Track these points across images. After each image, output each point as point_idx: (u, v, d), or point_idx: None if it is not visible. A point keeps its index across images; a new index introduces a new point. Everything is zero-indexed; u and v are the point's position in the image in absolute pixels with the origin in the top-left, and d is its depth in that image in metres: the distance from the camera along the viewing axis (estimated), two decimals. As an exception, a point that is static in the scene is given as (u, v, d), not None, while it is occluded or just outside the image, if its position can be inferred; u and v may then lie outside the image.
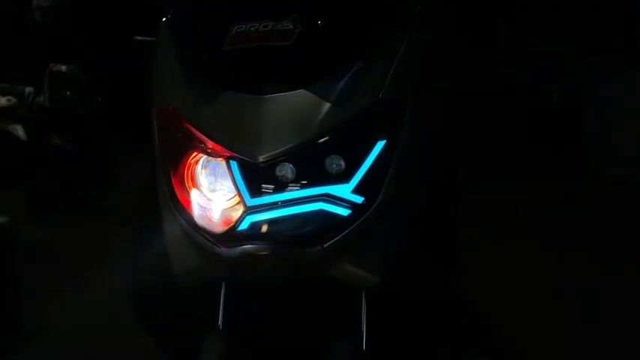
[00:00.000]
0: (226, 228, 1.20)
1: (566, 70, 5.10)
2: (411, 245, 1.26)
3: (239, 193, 1.19)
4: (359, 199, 1.18)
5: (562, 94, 5.23)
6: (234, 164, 1.19)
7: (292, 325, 1.36)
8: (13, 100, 4.86)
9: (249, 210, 1.18)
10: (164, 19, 1.43)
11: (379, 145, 1.19)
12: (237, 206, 1.21)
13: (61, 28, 4.88)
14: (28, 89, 4.81)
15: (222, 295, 1.33)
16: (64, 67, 4.88)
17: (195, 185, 1.25)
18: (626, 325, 2.48)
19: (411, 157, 1.21)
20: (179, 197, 1.25)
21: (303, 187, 1.18)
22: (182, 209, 1.25)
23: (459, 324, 1.34)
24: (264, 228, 1.19)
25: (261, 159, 1.17)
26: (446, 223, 1.37)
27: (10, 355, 2.64)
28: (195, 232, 1.24)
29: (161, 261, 1.31)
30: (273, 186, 1.19)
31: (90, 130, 4.97)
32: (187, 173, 1.25)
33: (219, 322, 1.32)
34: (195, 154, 1.24)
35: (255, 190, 1.19)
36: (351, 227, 1.18)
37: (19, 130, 4.87)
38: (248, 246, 1.19)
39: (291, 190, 1.18)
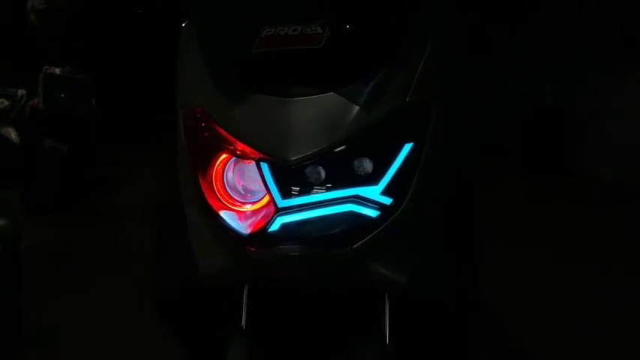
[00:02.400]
0: (257, 229, 1.21)
1: (559, 72, 5.14)
2: (436, 246, 1.27)
3: (270, 195, 1.20)
4: (387, 201, 1.19)
5: (555, 95, 5.28)
6: (264, 165, 1.20)
7: (315, 326, 1.37)
8: (6, 102, 4.84)
9: (281, 211, 1.19)
10: (184, 24, 1.45)
11: (406, 148, 1.20)
12: (266, 207, 1.22)
13: (56, 31, 4.86)
14: (21, 91, 4.80)
15: (245, 295, 1.34)
16: (58, 70, 4.87)
17: (224, 186, 1.25)
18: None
19: (437, 159, 1.23)
20: (207, 198, 1.25)
21: (332, 188, 1.19)
22: (210, 210, 1.25)
23: (482, 323, 1.36)
24: (295, 229, 1.20)
25: (292, 160, 1.18)
26: (468, 223, 1.39)
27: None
28: (224, 233, 1.24)
29: (186, 262, 1.31)
30: (303, 188, 1.20)
31: (84, 132, 4.96)
32: (215, 174, 1.25)
33: (243, 323, 1.33)
34: (223, 155, 1.25)
35: (285, 192, 1.20)
36: (380, 228, 1.20)
37: (12, 133, 4.86)
38: (279, 247, 1.20)
39: (322, 192, 1.19)
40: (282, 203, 1.19)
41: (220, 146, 1.25)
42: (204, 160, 1.26)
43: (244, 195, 1.25)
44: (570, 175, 5.12)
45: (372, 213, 1.20)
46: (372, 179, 1.19)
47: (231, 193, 1.26)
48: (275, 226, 1.20)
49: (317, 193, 1.19)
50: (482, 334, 1.37)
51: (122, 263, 3.60)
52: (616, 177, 4.78)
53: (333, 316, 1.37)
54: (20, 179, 4.77)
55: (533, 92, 5.40)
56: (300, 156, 1.18)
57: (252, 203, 1.24)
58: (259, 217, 1.22)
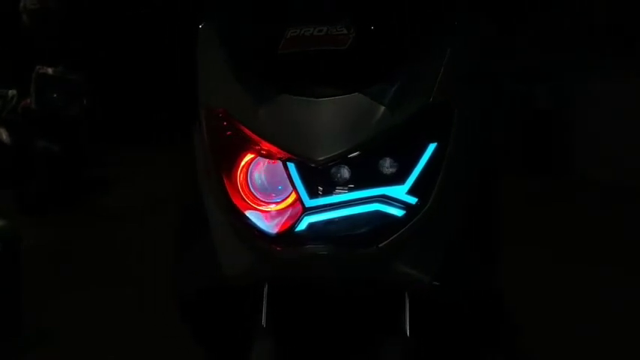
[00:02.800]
0: (284, 229, 1.22)
1: (551, 73, 5.19)
2: (459, 245, 1.29)
3: (297, 194, 1.21)
4: (413, 200, 1.20)
5: (547, 96, 5.32)
6: (291, 165, 1.21)
7: (336, 324, 1.38)
8: (-4, 102, 4.81)
9: (308, 211, 1.20)
10: (201, 25, 1.45)
11: (431, 147, 1.21)
12: (292, 207, 1.23)
13: (48, 31, 4.84)
14: (11, 92, 4.76)
15: (265, 294, 1.35)
16: (50, 70, 4.84)
17: (249, 186, 1.26)
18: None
19: (460, 158, 1.24)
20: (232, 198, 1.26)
21: (358, 188, 1.20)
22: (235, 210, 1.26)
23: (502, 321, 1.37)
24: (322, 229, 1.21)
25: (320, 161, 1.19)
26: (490, 222, 1.41)
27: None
28: (249, 232, 1.25)
29: (209, 261, 1.32)
30: (329, 187, 1.21)
31: (77, 132, 4.94)
32: (240, 174, 1.26)
33: (263, 322, 1.34)
34: (248, 155, 1.25)
35: (312, 192, 1.21)
36: (405, 228, 1.21)
37: (3, 134, 4.83)
38: (306, 246, 1.20)
39: (348, 191, 1.20)
40: (309, 203, 1.20)
41: (245, 146, 1.25)
42: (228, 160, 1.27)
43: (268, 195, 1.26)
44: (562, 175, 5.17)
45: (398, 212, 1.21)
46: (398, 179, 1.20)
47: (255, 192, 1.26)
48: (302, 226, 1.21)
49: (343, 192, 1.20)
50: (500, 333, 1.38)
51: (120, 263, 3.60)
52: (608, 177, 4.83)
53: (353, 314, 1.38)
54: (11, 180, 4.74)
55: (524, 92, 5.45)
56: (327, 156, 1.19)
57: (276, 203, 1.25)
58: (285, 216, 1.23)
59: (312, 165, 1.20)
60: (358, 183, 1.20)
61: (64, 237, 4.15)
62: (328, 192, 1.21)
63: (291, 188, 1.23)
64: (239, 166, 1.26)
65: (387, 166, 1.21)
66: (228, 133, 1.28)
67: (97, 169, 5.29)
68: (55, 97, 4.81)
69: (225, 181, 1.27)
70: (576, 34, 5.11)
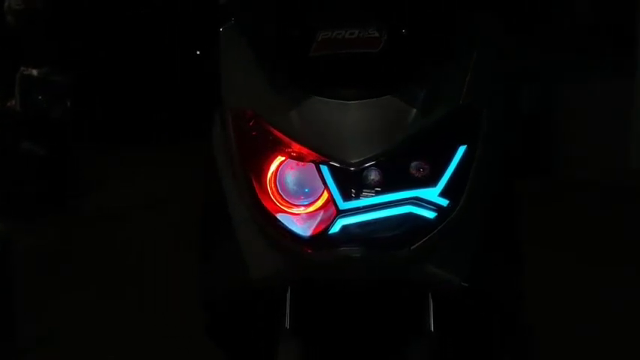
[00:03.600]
0: (317, 231, 1.22)
1: (536, 76, 5.24)
2: (488, 246, 1.30)
3: (331, 197, 1.21)
4: (444, 202, 1.21)
5: (531, 98, 5.38)
6: (324, 168, 1.21)
7: (360, 326, 1.39)
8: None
9: (342, 213, 1.21)
10: (222, 28, 1.45)
11: (461, 150, 1.23)
12: (323, 209, 1.23)
13: (33, 32, 4.79)
14: (-5, 93, 4.71)
15: (288, 297, 1.35)
16: (35, 71, 4.80)
17: (279, 188, 1.26)
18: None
19: (488, 160, 1.25)
20: (262, 200, 1.26)
21: (391, 190, 1.21)
22: (265, 213, 1.26)
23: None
24: (355, 231, 1.21)
25: (353, 163, 1.19)
26: (513, 224, 1.42)
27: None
28: (281, 235, 1.25)
29: (236, 264, 1.31)
30: (362, 190, 1.21)
31: (62, 134, 4.90)
32: (270, 176, 1.26)
33: (287, 324, 1.34)
34: (279, 157, 1.25)
35: (345, 194, 1.21)
36: (437, 229, 1.22)
37: (-14, 136, 4.77)
38: (340, 249, 1.21)
39: (381, 194, 1.21)
40: (343, 205, 1.21)
41: (276, 148, 1.25)
42: (257, 163, 1.27)
43: (297, 197, 1.26)
44: (548, 175, 5.23)
45: (430, 215, 1.22)
46: (430, 181, 1.21)
47: (284, 195, 1.26)
48: (336, 228, 1.21)
49: (376, 195, 1.21)
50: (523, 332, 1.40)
51: (111, 264, 3.58)
52: (590, 177, 4.90)
53: (377, 315, 1.38)
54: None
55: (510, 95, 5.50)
56: (361, 159, 1.19)
57: (305, 206, 1.25)
58: (318, 219, 1.23)
59: (346, 167, 1.20)
60: (390, 185, 1.21)
61: (55, 238, 4.13)
62: (360, 194, 1.21)
63: (321, 191, 1.23)
64: (269, 169, 1.25)
65: (419, 168, 1.22)
66: (258, 134, 1.28)
67: (90, 170, 5.24)
68: (39, 98, 4.78)
69: (254, 184, 1.27)
70: (560, 35, 5.17)
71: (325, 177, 1.21)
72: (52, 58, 4.83)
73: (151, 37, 7.80)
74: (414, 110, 1.22)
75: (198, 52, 7.87)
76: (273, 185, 1.26)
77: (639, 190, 4.73)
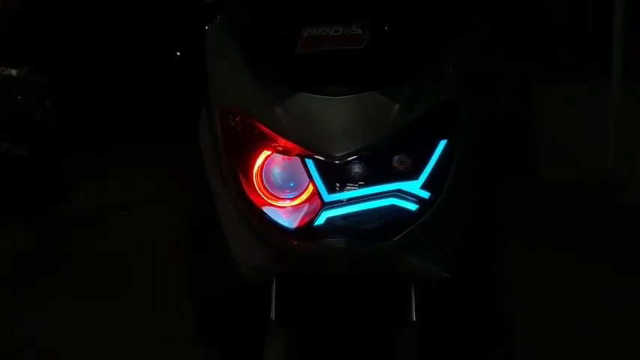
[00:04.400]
0: (302, 224, 1.25)
1: (517, 76, 5.31)
2: (468, 238, 1.34)
3: (315, 190, 1.24)
4: (426, 195, 1.25)
5: (511, 98, 5.44)
6: (310, 162, 1.24)
7: (345, 316, 1.42)
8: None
9: (327, 206, 1.24)
10: (207, 26, 1.48)
11: (442, 144, 1.26)
12: (309, 202, 1.26)
13: (12, 31, 4.77)
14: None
15: (274, 289, 1.38)
16: (14, 71, 4.77)
17: (265, 182, 1.29)
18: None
19: (469, 154, 1.29)
20: (248, 194, 1.29)
21: (374, 183, 1.24)
22: (253, 206, 1.29)
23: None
24: (340, 223, 1.25)
25: (338, 157, 1.23)
26: (495, 216, 1.47)
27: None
28: (267, 228, 1.28)
29: (225, 260, 1.34)
30: (346, 183, 1.25)
31: (43, 135, 4.88)
32: (256, 170, 1.29)
33: (273, 316, 1.37)
34: (265, 151, 1.28)
35: (330, 187, 1.24)
36: (419, 221, 1.26)
37: (-35, 137, 4.73)
38: (325, 240, 1.24)
39: (365, 187, 1.24)
40: (328, 198, 1.24)
41: (262, 143, 1.28)
42: (244, 157, 1.30)
43: (283, 191, 1.29)
44: (521, 175, 5.29)
45: (412, 207, 1.25)
46: (412, 174, 1.25)
47: (270, 189, 1.29)
48: (321, 220, 1.25)
49: (360, 187, 1.25)
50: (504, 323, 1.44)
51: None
52: (568, 177, 4.98)
53: (360, 306, 1.41)
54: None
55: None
56: (345, 152, 1.23)
57: (290, 199, 1.28)
58: (303, 211, 1.26)
59: (330, 161, 1.23)
60: (373, 178, 1.25)
61: (30, 241, 4.12)
62: (345, 187, 1.25)
63: (306, 184, 1.26)
64: (255, 163, 1.28)
65: (401, 162, 1.26)
66: (244, 130, 1.31)
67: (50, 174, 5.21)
68: (19, 99, 4.74)
69: (241, 178, 1.30)
70: (540, 37, 5.24)
71: (310, 170, 1.24)
72: (32, 58, 4.80)
73: (137, 38, 7.79)
74: (397, 106, 1.25)
75: (178, 53, 7.88)
76: (259, 179, 1.29)
77: (616, 190, 4.80)
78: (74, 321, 2.99)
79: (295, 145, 1.25)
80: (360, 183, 1.25)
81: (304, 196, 1.27)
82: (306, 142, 1.24)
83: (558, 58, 5.24)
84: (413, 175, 1.25)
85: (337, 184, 1.25)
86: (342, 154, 1.23)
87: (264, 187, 1.29)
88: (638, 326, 2.71)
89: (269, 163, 1.29)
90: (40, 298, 3.26)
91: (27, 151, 4.73)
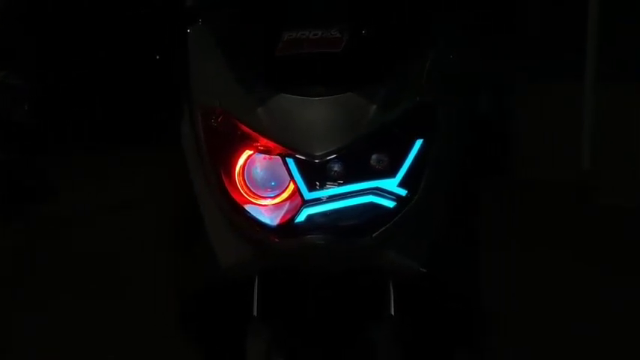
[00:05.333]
0: (283, 221, 1.29)
1: (494, 78, 5.37)
2: (445, 234, 1.38)
3: (296, 188, 1.28)
4: (403, 192, 1.30)
5: (490, 100, 5.50)
6: (290, 161, 1.28)
7: (325, 312, 1.46)
8: None
9: (307, 203, 1.28)
10: (190, 28, 1.51)
11: (418, 143, 1.31)
12: (290, 200, 1.30)
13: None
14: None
15: (256, 285, 1.42)
16: (-5, 76, 4.75)
17: (247, 181, 1.32)
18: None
19: (445, 153, 1.34)
20: (230, 193, 1.32)
21: (353, 181, 1.28)
22: (235, 205, 1.32)
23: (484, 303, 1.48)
24: (320, 220, 1.28)
25: (317, 156, 1.27)
26: (473, 213, 1.51)
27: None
28: (249, 226, 1.32)
29: (208, 259, 1.38)
30: (326, 181, 1.29)
31: (22, 137, 4.86)
32: (238, 169, 1.32)
33: (255, 312, 1.41)
34: (246, 151, 1.32)
35: (310, 185, 1.28)
36: (396, 218, 1.30)
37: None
38: (306, 237, 1.28)
39: (344, 185, 1.28)
40: (308, 196, 1.28)
41: (243, 143, 1.32)
42: (226, 157, 1.33)
43: (264, 189, 1.33)
44: (503, 175, 5.35)
45: (390, 204, 1.30)
46: (390, 172, 1.29)
47: (252, 188, 1.33)
48: (301, 217, 1.28)
49: (339, 185, 1.29)
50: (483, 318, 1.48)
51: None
52: (544, 177, 5.06)
53: (342, 300, 1.45)
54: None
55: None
56: (324, 152, 1.27)
57: (272, 197, 1.32)
58: (284, 209, 1.30)
59: (311, 160, 1.27)
60: (352, 177, 1.29)
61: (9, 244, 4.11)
62: (324, 185, 1.29)
63: (287, 182, 1.30)
64: (237, 162, 1.32)
65: (379, 160, 1.30)
66: (226, 130, 1.34)
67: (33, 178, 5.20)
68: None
69: (223, 177, 1.33)
70: (516, 41, 5.30)
71: (291, 169, 1.28)
72: (10, 61, 4.79)
73: (119, 41, 7.78)
74: (374, 106, 1.29)
75: (157, 57, 7.88)
76: (241, 178, 1.32)
77: (591, 190, 4.88)
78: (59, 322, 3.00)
79: (276, 145, 1.29)
80: (340, 181, 1.29)
81: (285, 195, 1.31)
82: (286, 142, 1.28)
83: (534, 60, 5.30)
84: (390, 173, 1.29)
85: (317, 183, 1.29)
86: (321, 153, 1.27)
87: (246, 185, 1.33)
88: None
89: (251, 163, 1.32)
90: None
91: (6, 153, 4.72)
